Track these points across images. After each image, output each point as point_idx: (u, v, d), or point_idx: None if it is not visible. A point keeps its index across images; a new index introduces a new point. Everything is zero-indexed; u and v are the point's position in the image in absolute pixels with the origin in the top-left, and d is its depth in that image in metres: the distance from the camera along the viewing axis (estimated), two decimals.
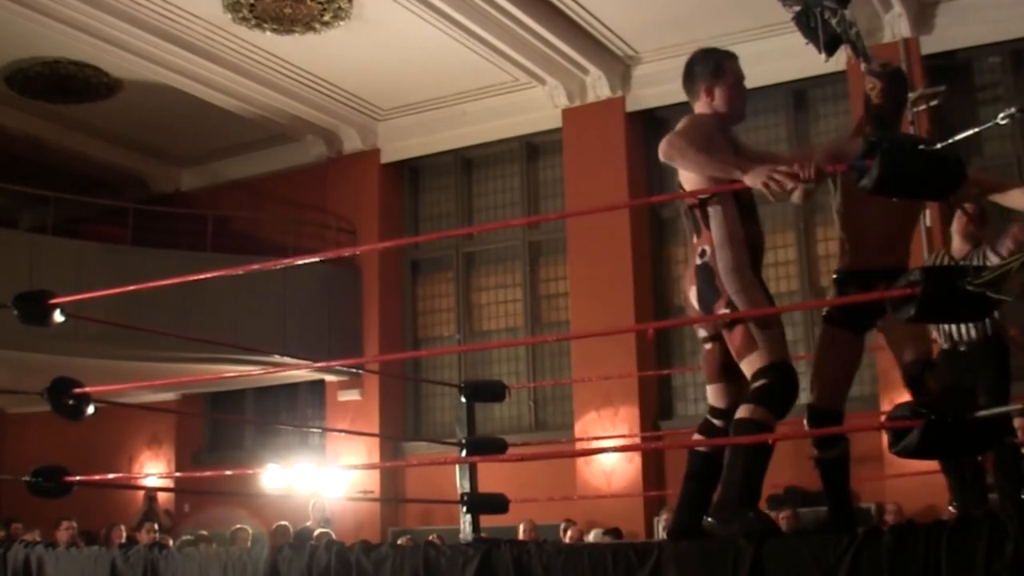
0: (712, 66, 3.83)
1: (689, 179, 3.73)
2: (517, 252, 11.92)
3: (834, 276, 4.03)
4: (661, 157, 3.68)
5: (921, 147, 2.89)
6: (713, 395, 3.83)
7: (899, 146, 2.89)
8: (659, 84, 10.63)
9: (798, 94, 10.71)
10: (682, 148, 3.60)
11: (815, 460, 3.91)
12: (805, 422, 3.94)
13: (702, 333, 3.82)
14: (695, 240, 3.70)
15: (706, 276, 3.63)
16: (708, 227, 3.65)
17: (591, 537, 8.98)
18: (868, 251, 3.90)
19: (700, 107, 3.85)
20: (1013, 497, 3.99)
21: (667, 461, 10.37)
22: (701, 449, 3.83)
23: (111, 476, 9.31)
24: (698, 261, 3.67)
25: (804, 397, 3.85)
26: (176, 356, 10.14)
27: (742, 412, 3.48)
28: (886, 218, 3.86)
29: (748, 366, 3.54)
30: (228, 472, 8.99)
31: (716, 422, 3.79)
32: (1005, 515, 2.70)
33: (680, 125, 3.75)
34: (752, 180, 3.34)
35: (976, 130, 3.37)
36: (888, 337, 3.92)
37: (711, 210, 3.66)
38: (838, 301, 3.90)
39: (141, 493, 11.95)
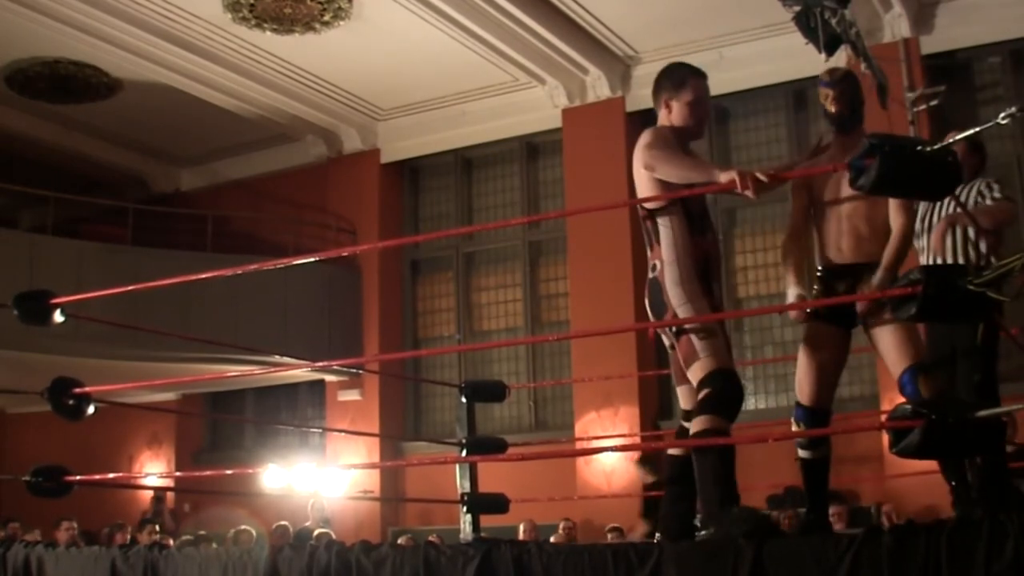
0: (675, 80, 3.93)
1: (642, 189, 3.84)
2: (517, 252, 11.92)
3: (817, 272, 4.07)
4: (640, 168, 3.80)
5: (919, 148, 2.89)
6: (681, 397, 3.95)
7: (899, 148, 2.89)
8: None
9: (798, 94, 10.70)
10: (661, 158, 3.72)
11: (800, 460, 3.93)
12: (792, 420, 3.96)
13: (667, 341, 3.90)
14: (649, 253, 3.84)
15: (655, 290, 3.79)
16: (658, 241, 3.79)
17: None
18: (846, 246, 3.93)
19: (660, 119, 3.96)
20: (996, 495, 3.97)
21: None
22: (676, 454, 3.89)
23: (111, 476, 9.30)
24: (649, 275, 3.83)
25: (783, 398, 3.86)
26: (176, 356, 10.14)
27: (696, 425, 3.58)
28: (858, 212, 3.88)
29: (693, 375, 3.66)
30: (228, 472, 8.98)
31: (687, 425, 3.85)
32: (1005, 515, 2.70)
33: (645, 139, 3.84)
34: (727, 177, 3.44)
35: (976, 130, 3.37)
36: (875, 338, 3.91)
37: (660, 223, 3.79)
38: (837, 300, 3.91)
39: (144, 493, 11.96)
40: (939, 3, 9.77)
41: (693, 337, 3.64)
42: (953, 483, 4.17)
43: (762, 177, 3.36)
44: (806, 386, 3.91)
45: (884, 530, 2.88)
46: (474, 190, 12.35)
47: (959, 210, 4.50)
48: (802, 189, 4.08)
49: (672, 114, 3.91)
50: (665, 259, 3.75)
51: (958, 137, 3.63)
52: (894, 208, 3.90)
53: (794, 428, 3.97)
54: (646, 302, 3.86)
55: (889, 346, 3.84)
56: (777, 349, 10.32)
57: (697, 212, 3.80)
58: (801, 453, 3.95)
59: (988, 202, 4.61)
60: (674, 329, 3.74)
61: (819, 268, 4.05)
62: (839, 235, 3.94)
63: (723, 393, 3.57)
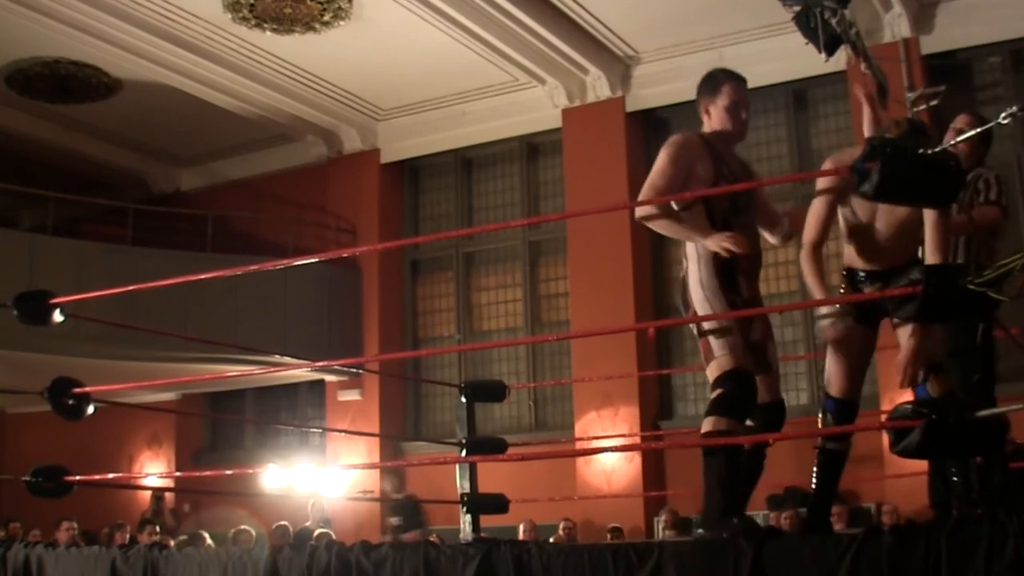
0: (710, 86, 4.03)
1: None
2: (517, 252, 11.92)
3: (843, 272, 4.08)
4: (637, 218, 3.96)
5: (922, 152, 2.87)
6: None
7: (901, 151, 2.87)
8: (659, 84, 10.65)
9: (798, 94, 10.70)
10: (651, 218, 3.90)
11: (820, 449, 3.93)
12: (822, 411, 3.99)
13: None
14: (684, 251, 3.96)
15: (681, 288, 3.93)
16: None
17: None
18: (882, 253, 3.93)
19: (704, 126, 4.05)
20: (993, 496, 3.98)
21: (667, 461, 10.37)
22: None
23: (111, 476, 9.30)
24: (681, 273, 3.96)
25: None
26: (176, 356, 10.14)
27: (705, 425, 3.63)
28: (893, 218, 3.88)
29: (709, 373, 3.76)
30: (228, 472, 8.98)
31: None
32: (1005, 515, 2.69)
33: (656, 164, 3.95)
34: (711, 242, 3.69)
35: (977, 131, 3.37)
36: (899, 335, 3.93)
37: (684, 219, 3.86)
38: (835, 300, 3.94)
39: (144, 493, 11.96)
40: (939, 3, 9.77)
41: (710, 337, 3.75)
42: (955, 479, 4.18)
43: (736, 249, 3.57)
44: (835, 380, 3.96)
45: (884, 530, 2.87)
46: (474, 190, 12.35)
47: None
48: (837, 200, 3.98)
49: (712, 119, 4.00)
50: (688, 256, 3.87)
51: (961, 138, 3.62)
52: None
53: (820, 418, 4.00)
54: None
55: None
56: (777, 349, 10.29)
57: (720, 209, 3.84)
58: (824, 443, 3.96)
59: (980, 200, 4.62)
60: (695, 330, 3.85)
61: (847, 269, 4.04)
62: (875, 243, 3.92)
63: (732, 395, 3.64)
